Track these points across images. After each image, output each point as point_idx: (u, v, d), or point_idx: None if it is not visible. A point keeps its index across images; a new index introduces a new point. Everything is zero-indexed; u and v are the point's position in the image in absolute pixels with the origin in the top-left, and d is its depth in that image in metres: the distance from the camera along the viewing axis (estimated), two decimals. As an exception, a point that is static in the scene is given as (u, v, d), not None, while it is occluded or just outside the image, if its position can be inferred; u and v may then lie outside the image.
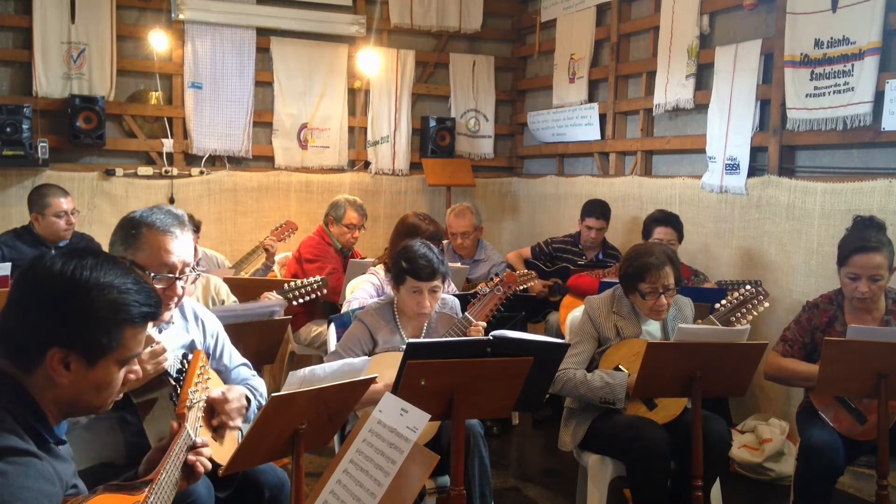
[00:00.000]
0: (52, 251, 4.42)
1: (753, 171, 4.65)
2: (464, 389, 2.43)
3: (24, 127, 5.34)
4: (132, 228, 2.33)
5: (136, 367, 1.70)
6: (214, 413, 2.24)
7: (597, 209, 5.14)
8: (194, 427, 1.93)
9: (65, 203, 4.47)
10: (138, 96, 6.09)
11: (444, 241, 5.00)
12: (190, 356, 2.20)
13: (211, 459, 1.90)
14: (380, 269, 4.01)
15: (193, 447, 1.86)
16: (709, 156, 4.91)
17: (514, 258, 5.40)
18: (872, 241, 3.04)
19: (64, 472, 1.55)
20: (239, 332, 2.92)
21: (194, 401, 2.00)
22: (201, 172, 6.18)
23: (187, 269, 2.37)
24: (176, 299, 2.35)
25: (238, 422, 2.30)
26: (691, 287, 4.13)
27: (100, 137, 5.70)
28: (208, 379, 2.19)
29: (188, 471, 1.82)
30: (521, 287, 4.21)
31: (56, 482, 1.49)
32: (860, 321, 3.12)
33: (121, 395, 1.69)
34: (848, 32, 4.00)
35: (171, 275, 2.31)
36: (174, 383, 2.19)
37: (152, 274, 2.27)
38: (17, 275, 1.62)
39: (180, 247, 2.35)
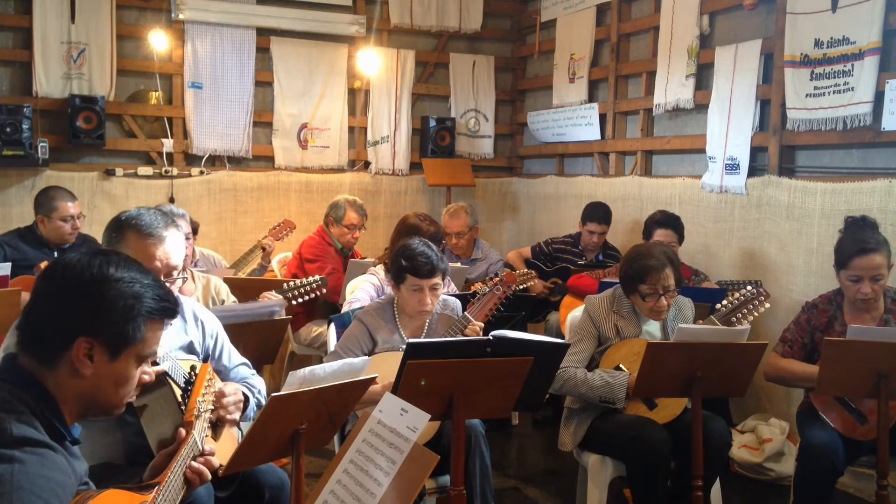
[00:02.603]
0: (55, 253, 4.44)
1: (753, 171, 4.65)
2: (464, 389, 2.43)
3: (24, 127, 5.34)
4: (115, 230, 2.32)
5: (149, 369, 1.73)
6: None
7: (598, 214, 5.11)
8: (201, 435, 1.95)
9: (72, 208, 4.47)
10: (138, 96, 6.09)
11: (443, 242, 5.00)
12: (198, 368, 2.22)
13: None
14: (380, 269, 4.01)
15: (200, 454, 1.89)
16: (709, 156, 4.91)
17: (515, 258, 5.39)
18: (871, 241, 3.05)
19: (78, 467, 1.58)
20: (239, 332, 2.92)
21: (202, 410, 2.02)
22: (201, 172, 6.18)
23: (174, 273, 2.34)
24: None
25: (236, 415, 2.30)
26: (691, 287, 4.13)
27: (100, 137, 5.70)
28: (214, 392, 2.21)
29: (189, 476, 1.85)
30: (521, 286, 4.21)
31: (70, 474, 1.52)
32: (860, 321, 3.12)
33: (134, 396, 1.71)
34: (848, 32, 4.00)
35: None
36: (174, 386, 2.19)
37: None
38: (42, 272, 1.66)
39: (164, 251, 2.32)
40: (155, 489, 1.69)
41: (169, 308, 1.69)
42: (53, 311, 1.58)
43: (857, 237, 3.09)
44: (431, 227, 4.02)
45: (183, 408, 2.13)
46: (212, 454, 1.92)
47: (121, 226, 2.32)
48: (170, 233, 2.36)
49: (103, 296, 1.58)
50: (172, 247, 2.36)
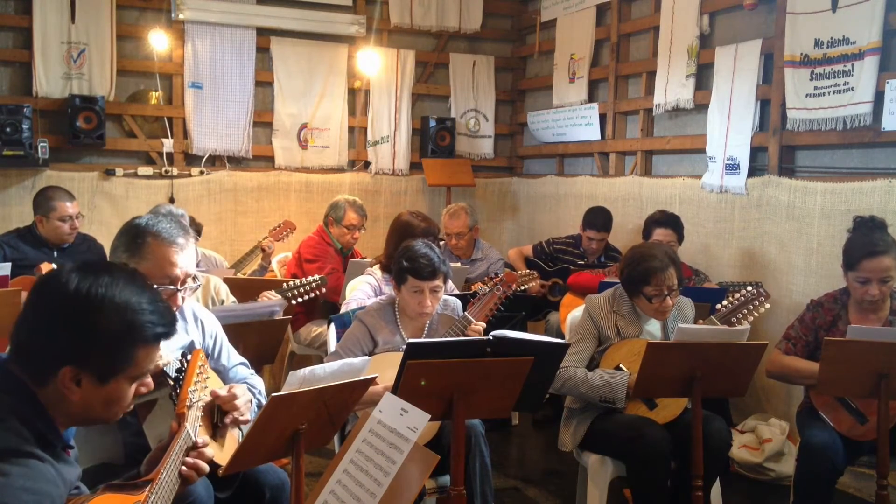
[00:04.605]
0: (55, 253, 4.44)
1: (753, 171, 4.65)
2: (464, 389, 2.43)
3: (24, 127, 5.34)
4: (137, 237, 2.30)
5: (148, 381, 1.69)
6: (223, 413, 2.21)
7: (598, 222, 5.05)
8: (194, 426, 1.93)
9: (70, 208, 4.47)
10: (138, 96, 6.09)
11: (441, 242, 4.99)
12: (189, 356, 2.19)
13: (211, 462, 1.89)
14: (377, 269, 4.00)
15: (194, 447, 1.85)
16: (709, 156, 4.91)
17: (516, 255, 5.38)
18: (880, 244, 3.05)
19: (68, 474, 1.56)
20: (239, 332, 2.92)
21: (194, 400, 2.00)
22: (201, 172, 6.18)
23: (189, 280, 2.36)
24: (175, 308, 2.35)
25: (247, 415, 2.28)
26: (692, 287, 4.13)
27: (100, 137, 5.70)
28: (207, 378, 2.18)
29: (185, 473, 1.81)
30: (522, 287, 4.20)
31: (59, 483, 1.50)
32: (865, 321, 3.13)
33: (131, 407, 1.69)
34: (848, 32, 4.00)
35: (172, 287, 2.30)
36: (173, 384, 2.18)
37: (154, 285, 2.25)
38: (32, 289, 1.61)
39: (184, 258, 2.33)
40: (147, 488, 1.66)
41: (163, 333, 1.64)
42: (41, 336, 1.54)
43: (867, 239, 3.09)
44: (423, 224, 4.01)
45: (175, 400, 2.10)
46: (205, 446, 1.87)
47: (142, 232, 2.31)
48: (188, 241, 2.37)
49: (91, 325, 1.53)
50: (190, 255, 2.37)
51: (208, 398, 2.13)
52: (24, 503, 1.39)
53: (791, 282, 4.34)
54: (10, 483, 1.39)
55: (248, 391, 2.39)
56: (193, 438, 1.87)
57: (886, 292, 3.08)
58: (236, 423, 2.24)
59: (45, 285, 1.59)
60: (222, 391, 2.24)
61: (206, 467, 1.85)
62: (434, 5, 6.82)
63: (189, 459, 1.81)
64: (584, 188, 6.14)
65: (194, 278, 2.41)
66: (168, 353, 2.23)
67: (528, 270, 4.33)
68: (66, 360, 1.52)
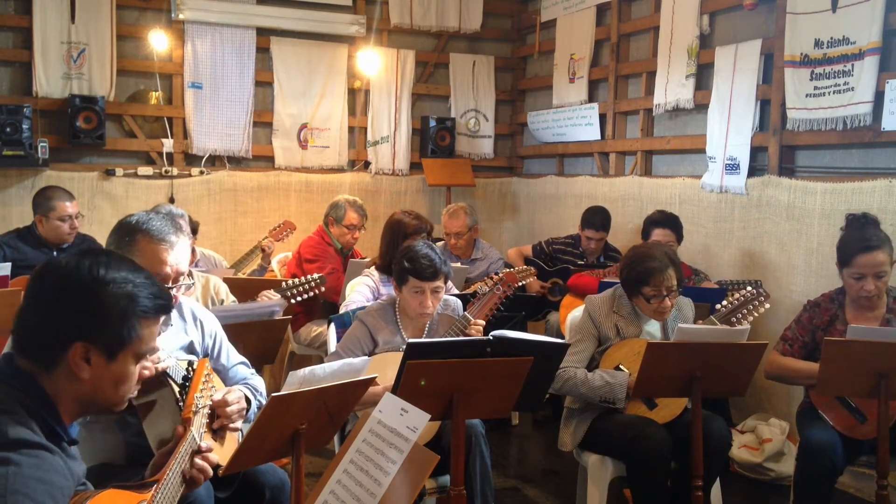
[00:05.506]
0: (55, 253, 4.44)
1: (753, 171, 4.65)
2: (464, 389, 2.43)
3: (24, 127, 5.34)
4: (127, 235, 2.31)
5: (148, 364, 1.72)
6: (215, 416, 2.22)
7: (596, 221, 5.04)
8: (199, 431, 1.95)
9: (70, 207, 4.47)
10: (138, 96, 6.09)
11: (440, 242, 4.99)
12: (195, 363, 2.21)
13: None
14: (373, 270, 4.00)
15: (198, 451, 1.88)
16: (709, 156, 4.91)
17: (515, 255, 5.38)
18: (873, 239, 3.06)
19: (75, 468, 1.57)
20: (239, 332, 2.92)
21: (199, 406, 2.02)
22: (201, 172, 6.19)
23: (181, 278, 2.36)
24: None
25: (238, 423, 2.30)
26: (692, 287, 4.13)
27: (100, 137, 5.70)
28: (212, 387, 2.20)
29: (192, 475, 1.84)
30: (520, 283, 4.19)
31: (68, 476, 1.51)
32: (862, 319, 3.13)
33: (135, 393, 1.71)
34: (848, 32, 4.00)
35: (164, 284, 2.30)
36: (174, 385, 2.19)
37: None
38: (33, 275, 1.64)
39: (175, 256, 2.33)
40: (154, 487, 1.69)
41: (163, 305, 1.68)
42: (48, 317, 1.56)
43: (860, 235, 3.10)
44: (414, 221, 4.01)
45: (181, 404, 2.12)
46: (210, 451, 1.91)
47: (132, 230, 2.31)
48: (179, 239, 2.37)
49: (97, 300, 1.57)
50: (181, 252, 2.37)
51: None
52: (36, 493, 1.40)
53: (791, 282, 4.34)
54: (22, 473, 1.40)
55: (246, 395, 2.39)
56: (199, 442, 1.89)
57: (882, 287, 3.08)
58: (223, 428, 2.24)
59: (46, 270, 1.62)
60: (217, 394, 2.24)
61: (211, 471, 1.88)
62: (434, 5, 6.82)
63: (198, 461, 1.84)
64: (584, 188, 6.14)
65: (189, 274, 2.40)
66: (168, 354, 2.24)
67: (525, 266, 4.32)
68: (75, 336, 1.55)
